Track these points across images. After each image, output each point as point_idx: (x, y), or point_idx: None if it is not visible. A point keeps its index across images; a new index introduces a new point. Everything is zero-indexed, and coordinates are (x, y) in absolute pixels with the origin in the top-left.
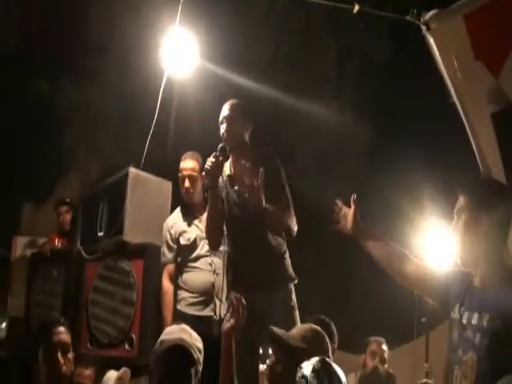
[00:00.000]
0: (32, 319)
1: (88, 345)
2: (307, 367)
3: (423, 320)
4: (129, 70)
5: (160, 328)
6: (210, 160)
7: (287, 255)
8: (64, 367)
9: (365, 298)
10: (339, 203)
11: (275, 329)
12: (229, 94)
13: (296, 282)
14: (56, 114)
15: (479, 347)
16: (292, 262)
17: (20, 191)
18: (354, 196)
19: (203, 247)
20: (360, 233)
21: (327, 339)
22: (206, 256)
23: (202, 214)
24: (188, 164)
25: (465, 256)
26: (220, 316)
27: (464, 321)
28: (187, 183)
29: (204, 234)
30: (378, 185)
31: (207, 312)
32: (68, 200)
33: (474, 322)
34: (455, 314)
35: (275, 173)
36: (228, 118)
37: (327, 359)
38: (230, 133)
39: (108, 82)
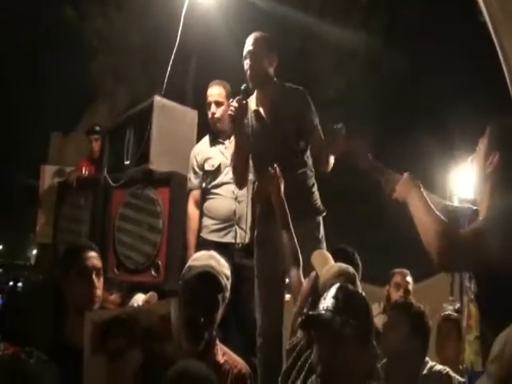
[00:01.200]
0: (59, 245)
1: (115, 270)
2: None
3: None
4: None
5: (185, 254)
6: (234, 105)
7: (315, 188)
8: (98, 290)
9: (390, 232)
10: (389, 172)
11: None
12: (255, 22)
13: (324, 214)
14: (83, 43)
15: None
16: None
17: (48, 120)
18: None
19: (227, 174)
20: (414, 198)
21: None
22: (229, 183)
23: (227, 139)
24: (215, 90)
25: (476, 193)
26: (241, 244)
27: None
28: (213, 109)
29: (228, 161)
30: (404, 121)
31: (228, 239)
32: (98, 128)
33: None
34: None
35: (305, 110)
36: (251, 54)
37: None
38: (253, 69)
39: (134, 11)
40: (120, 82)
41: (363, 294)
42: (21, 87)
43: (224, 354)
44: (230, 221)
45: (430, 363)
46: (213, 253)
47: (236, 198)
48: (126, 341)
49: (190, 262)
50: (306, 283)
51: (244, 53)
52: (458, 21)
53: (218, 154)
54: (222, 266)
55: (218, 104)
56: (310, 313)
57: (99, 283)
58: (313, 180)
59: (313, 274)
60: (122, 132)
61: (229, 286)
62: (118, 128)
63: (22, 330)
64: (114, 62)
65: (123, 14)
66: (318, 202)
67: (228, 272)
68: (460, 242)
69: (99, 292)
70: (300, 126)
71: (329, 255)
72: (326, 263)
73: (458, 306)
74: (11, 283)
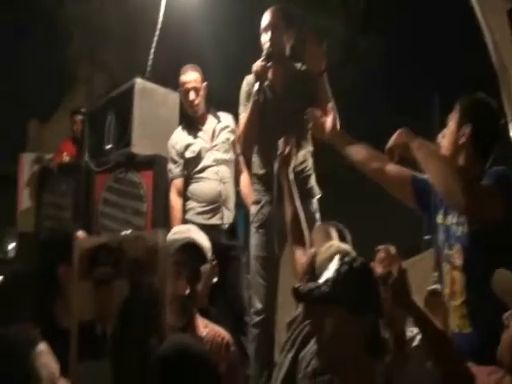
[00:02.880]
0: (43, 232)
1: None
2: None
3: (426, 237)
4: None
5: None
6: (260, 63)
7: (312, 170)
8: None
9: (375, 211)
10: (317, 112)
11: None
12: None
13: (319, 195)
14: (58, 27)
15: (462, 237)
16: None
17: (25, 108)
18: (330, 104)
19: (209, 158)
20: (338, 139)
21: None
22: (212, 166)
23: (203, 124)
24: (191, 76)
25: None
26: (227, 224)
27: (448, 222)
28: (192, 95)
29: (207, 145)
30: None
31: (215, 220)
32: (83, 110)
33: (455, 219)
34: (439, 219)
35: (317, 84)
36: (272, 26)
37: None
38: (273, 42)
39: None
40: (98, 66)
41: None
42: None
43: (206, 326)
44: (215, 202)
45: (419, 335)
46: (191, 226)
47: (221, 180)
48: (113, 269)
49: (169, 236)
50: (304, 259)
51: (262, 25)
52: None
53: (197, 140)
54: (202, 238)
55: (196, 89)
56: (297, 286)
57: None
58: (310, 161)
59: (311, 250)
60: (102, 115)
61: (209, 258)
62: (98, 111)
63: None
64: (91, 45)
65: None
66: (314, 184)
67: (208, 244)
68: (483, 189)
69: None
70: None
71: (331, 230)
72: (326, 240)
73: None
74: None
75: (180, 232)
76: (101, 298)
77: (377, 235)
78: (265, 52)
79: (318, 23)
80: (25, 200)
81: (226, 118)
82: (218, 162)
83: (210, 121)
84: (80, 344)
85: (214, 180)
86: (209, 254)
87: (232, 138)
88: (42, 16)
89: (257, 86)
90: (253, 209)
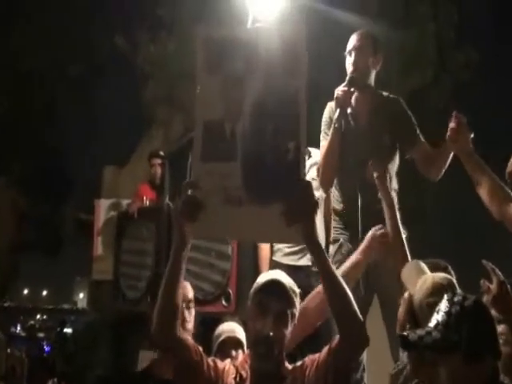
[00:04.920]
0: (123, 279)
1: None
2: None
3: None
4: (207, 18)
5: None
6: (341, 89)
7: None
8: (189, 324)
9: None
10: (459, 116)
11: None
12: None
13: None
14: (135, 71)
15: None
16: None
17: (101, 153)
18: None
19: None
20: (467, 158)
21: None
22: None
23: None
24: None
25: None
26: None
27: None
28: None
29: None
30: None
31: (304, 262)
32: (161, 153)
33: None
34: None
35: (405, 118)
36: (357, 49)
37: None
38: (357, 66)
39: (186, 34)
40: (175, 108)
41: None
42: (71, 118)
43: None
44: None
45: None
46: (280, 271)
47: None
48: (244, 65)
49: (257, 280)
50: (400, 308)
51: (348, 48)
52: None
53: None
54: (290, 282)
55: None
56: (405, 333)
57: (190, 316)
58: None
59: (405, 295)
60: (182, 157)
61: (297, 305)
62: (178, 153)
63: (75, 372)
64: (168, 87)
65: (174, 39)
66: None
67: (297, 290)
68: None
69: (190, 326)
70: (398, 134)
71: (423, 266)
72: (418, 276)
73: None
74: (58, 329)
75: (267, 275)
76: (230, 95)
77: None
78: (348, 76)
79: (410, 41)
80: (101, 247)
81: (316, 153)
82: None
83: None
84: (206, 146)
85: None
86: (296, 299)
87: None
88: (118, 58)
89: (337, 112)
90: (331, 249)
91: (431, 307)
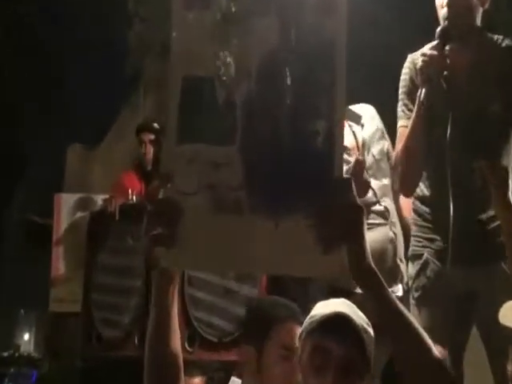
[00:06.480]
0: (97, 311)
1: (186, 346)
2: None
3: None
4: None
5: None
6: (430, 51)
7: None
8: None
9: None
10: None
11: None
12: None
13: None
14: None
15: None
16: None
17: (65, 131)
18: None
19: None
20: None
21: None
22: None
23: None
24: None
25: None
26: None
27: None
28: None
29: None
30: None
31: None
32: (155, 125)
33: None
34: None
35: None
36: None
37: None
38: (460, 9)
39: None
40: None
41: None
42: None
43: None
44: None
45: None
46: (344, 300)
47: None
48: None
49: (312, 312)
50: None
51: None
52: None
53: None
54: (360, 316)
55: None
56: None
57: None
58: None
59: None
60: None
61: (371, 349)
62: None
63: None
64: (163, 35)
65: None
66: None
67: (370, 329)
68: None
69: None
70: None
71: None
72: None
73: None
74: None
75: (328, 305)
76: (225, 40)
77: None
78: (439, 29)
79: None
80: (61, 263)
81: (368, 113)
82: None
83: None
84: (185, 119)
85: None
86: (370, 343)
87: None
88: None
89: (425, 88)
90: (410, 268)
91: None
